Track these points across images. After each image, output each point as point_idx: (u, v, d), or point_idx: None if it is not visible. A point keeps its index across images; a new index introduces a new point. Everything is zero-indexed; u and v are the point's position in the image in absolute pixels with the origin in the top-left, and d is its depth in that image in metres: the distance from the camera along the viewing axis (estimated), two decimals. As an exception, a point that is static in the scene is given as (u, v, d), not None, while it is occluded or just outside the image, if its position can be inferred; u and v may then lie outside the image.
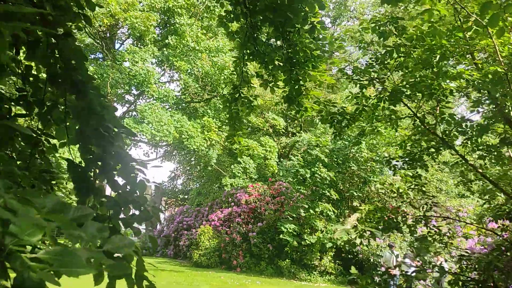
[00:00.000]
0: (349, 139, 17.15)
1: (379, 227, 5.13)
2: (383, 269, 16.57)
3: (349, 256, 17.60)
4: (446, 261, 16.53)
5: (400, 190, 5.71)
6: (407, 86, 5.03)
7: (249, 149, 16.64)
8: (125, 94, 17.14)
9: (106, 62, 15.64)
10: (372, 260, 16.44)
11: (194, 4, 16.71)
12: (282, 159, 17.90)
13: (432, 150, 5.54)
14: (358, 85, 5.69)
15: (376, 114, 5.89)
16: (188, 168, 37.63)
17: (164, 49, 17.24)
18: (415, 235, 5.63)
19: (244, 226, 20.41)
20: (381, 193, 18.94)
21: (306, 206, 17.42)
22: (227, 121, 5.31)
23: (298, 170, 16.72)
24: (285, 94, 4.46)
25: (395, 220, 5.07)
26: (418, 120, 5.64)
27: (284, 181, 17.90)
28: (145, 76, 14.97)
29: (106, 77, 14.86)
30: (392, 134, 17.34)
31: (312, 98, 4.51)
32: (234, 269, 19.37)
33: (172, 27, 16.52)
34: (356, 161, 17.53)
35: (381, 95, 5.46)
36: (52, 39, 2.04)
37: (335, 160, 17.44)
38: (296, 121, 26.72)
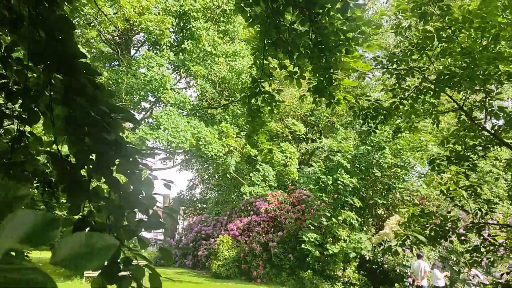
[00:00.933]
0: (372, 144, 16.62)
1: (425, 235, 4.61)
2: (410, 280, 15.92)
3: (374, 266, 16.97)
4: (488, 274, 15.79)
5: (450, 190, 4.96)
6: (456, 71, 4.49)
7: (272, 152, 16.25)
8: (141, 100, 16.99)
9: (121, 67, 15.57)
10: (398, 270, 15.78)
11: (210, 7, 16.53)
12: (302, 166, 17.46)
13: (479, 148, 5.02)
14: (394, 76, 5.22)
15: (415, 108, 5.40)
16: (207, 176, 37.53)
17: (180, 54, 17.10)
18: (465, 245, 5.09)
19: (264, 235, 19.99)
20: (406, 200, 18.29)
21: (328, 215, 16.91)
22: (246, 121, 4.90)
23: (320, 176, 16.25)
24: (313, 84, 4.03)
25: (444, 227, 4.44)
26: (464, 114, 5.12)
27: (304, 188, 17.44)
28: (161, 82, 14.81)
29: (121, 82, 14.75)
30: (416, 139, 16.77)
31: (345, 88, 4.06)
32: (254, 280, 18.92)
33: (188, 32, 16.37)
34: (379, 167, 16.96)
35: (421, 86, 4.99)
36: (35, 12, 1.72)
37: (358, 166, 16.91)
38: (315, 127, 26.28)
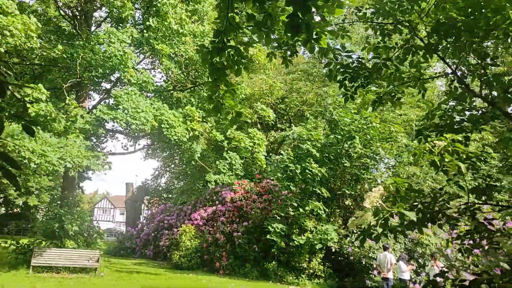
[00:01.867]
0: (342, 133, 16.34)
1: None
2: (375, 272, 15.81)
3: (340, 258, 16.80)
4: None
5: (445, 162, 4.12)
6: (456, 18, 3.93)
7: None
8: (101, 79, 16.00)
9: (79, 42, 14.55)
10: (364, 262, 15.64)
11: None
12: (271, 154, 17.02)
13: (477, 117, 4.56)
14: (379, 32, 4.67)
15: (401, 72, 4.88)
16: (173, 166, 36.69)
17: (145, 31, 16.21)
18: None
19: (228, 225, 19.50)
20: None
21: (295, 205, 16.57)
22: (206, 84, 4.20)
23: (288, 165, 15.85)
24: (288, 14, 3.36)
25: (435, 206, 3.71)
26: (456, 80, 4.62)
27: (272, 177, 17.00)
28: (122, 59, 13.91)
29: (76, 57, 13.74)
30: (387, 130, 16.62)
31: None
32: (216, 272, 18.42)
33: (153, 9, 15.49)
34: (349, 157, 16.73)
35: (410, 45, 4.45)
36: None
37: (327, 155, 16.62)
38: (285, 116, 25.89)
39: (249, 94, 18.62)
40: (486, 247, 3.92)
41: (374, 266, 15.25)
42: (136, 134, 18.34)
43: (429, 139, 4.34)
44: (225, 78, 3.90)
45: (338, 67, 4.74)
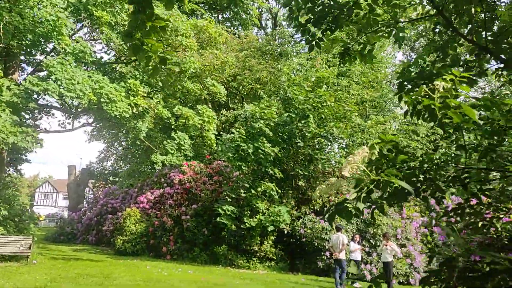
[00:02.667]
0: (296, 112, 15.83)
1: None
2: (328, 253, 15.63)
3: (292, 240, 16.48)
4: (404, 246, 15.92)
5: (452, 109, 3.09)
6: None
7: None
8: (33, 49, 14.41)
9: (4, 3, 12.86)
10: (316, 244, 15.39)
11: None
12: (222, 133, 16.25)
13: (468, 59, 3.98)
14: None
15: (375, 14, 4.19)
16: (120, 148, 35.11)
17: (82, -4, 14.74)
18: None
19: (176, 208, 18.65)
20: (327, 172, 17.94)
21: (247, 186, 16.00)
22: (128, 17, 3.31)
23: (240, 144, 15.17)
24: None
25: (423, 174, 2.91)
26: (443, 20, 3.95)
27: (223, 157, 16.27)
28: (55, 25, 12.48)
29: (0, 20, 12.14)
30: (340, 109, 16.30)
31: None
32: (163, 257, 17.61)
33: (93, -29, 14.06)
34: (302, 137, 16.28)
35: None
36: None
37: (280, 135, 16.09)
38: (238, 96, 25.11)
39: (199, 69, 17.66)
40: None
41: (327, 247, 15.04)
42: (73, 109, 16.89)
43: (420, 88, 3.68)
44: (151, 10, 3.07)
45: (301, 3, 3.97)
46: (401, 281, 14.85)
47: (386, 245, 12.91)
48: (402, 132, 18.58)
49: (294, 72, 18.86)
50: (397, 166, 2.78)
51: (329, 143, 16.39)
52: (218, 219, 15.84)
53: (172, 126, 17.39)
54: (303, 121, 15.56)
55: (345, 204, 2.64)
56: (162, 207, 19.46)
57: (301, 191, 17.54)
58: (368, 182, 2.51)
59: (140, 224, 19.00)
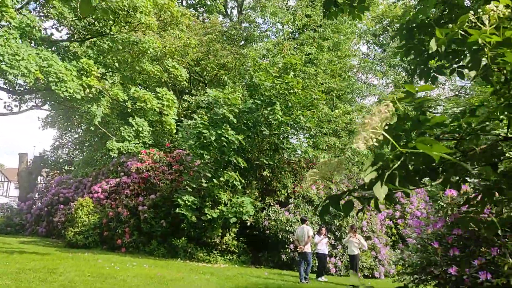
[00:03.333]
0: (262, 98, 15.19)
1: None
2: (292, 246, 15.18)
3: (255, 232, 15.92)
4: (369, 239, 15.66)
5: None
6: None
7: (143, 101, 13.77)
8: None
9: None
10: (280, 236, 14.88)
11: None
12: (183, 119, 15.39)
13: None
14: None
15: None
16: (76, 136, 33.53)
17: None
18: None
19: (133, 199, 17.67)
20: (292, 163, 17.46)
21: (209, 175, 15.26)
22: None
23: (202, 131, 14.38)
24: None
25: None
26: None
27: (184, 145, 15.44)
28: (-3, -5, 11.23)
29: None
30: (308, 97, 15.81)
31: None
32: (118, 250, 16.67)
33: None
34: (268, 125, 15.69)
35: None
36: None
37: (245, 122, 15.41)
38: (201, 82, 24.18)
39: (159, 51, 16.66)
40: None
41: (291, 240, 14.57)
42: (19, 89, 15.52)
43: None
44: None
45: None
46: (366, 274, 14.60)
47: (353, 238, 12.57)
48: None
49: (261, 57, 18.22)
50: (427, 133, 2.06)
51: (295, 132, 15.87)
52: (177, 210, 15.04)
53: (129, 110, 16.33)
54: (269, 108, 14.95)
55: (349, 194, 1.96)
56: (118, 197, 18.43)
57: (265, 181, 16.98)
58: (393, 156, 1.78)
59: (94, 215, 17.91)
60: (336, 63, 18.98)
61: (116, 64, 14.98)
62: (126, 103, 15.62)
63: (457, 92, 36.02)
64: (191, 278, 11.50)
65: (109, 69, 15.24)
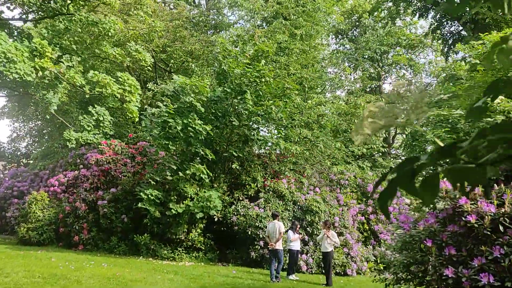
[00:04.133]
0: (231, 86, 14.38)
1: None
2: (261, 243, 14.51)
3: (223, 228, 15.16)
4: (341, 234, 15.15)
5: None
6: None
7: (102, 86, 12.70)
8: None
9: None
10: (249, 232, 14.17)
11: None
12: (146, 107, 14.37)
13: None
14: None
15: None
16: (33, 125, 31.72)
17: None
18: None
19: (92, 192, 16.52)
20: (262, 155, 16.79)
21: (174, 168, 14.35)
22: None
23: (167, 120, 13.44)
24: None
25: None
26: None
27: (148, 135, 14.43)
28: None
29: None
30: (280, 86, 15.13)
31: None
32: (75, 247, 15.58)
33: None
34: (238, 115, 14.91)
35: None
36: None
37: (213, 112, 14.56)
38: (167, 72, 23.07)
39: (122, 35, 15.53)
40: None
41: (261, 236, 13.89)
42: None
43: None
44: None
45: None
46: (338, 271, 14.11)
47: (327, 234, 11.99)
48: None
49: (230, 44, 17.37)
50: None
51: (266, 123, 15.14)
52: (139, 204, 14.08)
53: (87, 96, 15.18)
54: (239, 97, 14.15)
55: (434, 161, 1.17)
56: (76, 191, 17.24)
57: (234, 175, 16.22)
58: None
59: (49, 210, 16.69)
60: (309, 53, 18.36)
61: (74, 47, 13.79)
62: (84, 88, 14.44)
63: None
64: (154, 278, 10.62)
65: (66, 52, 14.02)
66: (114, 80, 14.15)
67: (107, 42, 14.75)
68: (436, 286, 5.32)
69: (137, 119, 15.36)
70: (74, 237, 15.69)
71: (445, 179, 1.27)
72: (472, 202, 4.97)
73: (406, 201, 14.90)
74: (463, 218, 4.88)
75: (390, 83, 37.85)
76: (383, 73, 34.14)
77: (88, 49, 14.87)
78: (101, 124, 17.74)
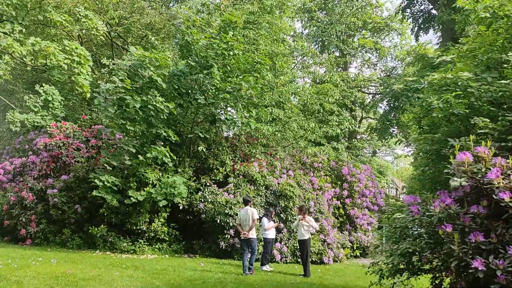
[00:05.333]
0: (196, 59, 13.11)
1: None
2: (232, 232, 13.48)
3: (189, 217, 14.03)
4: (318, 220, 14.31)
5: None
6: None
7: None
8: None
9: None
10: (218, 221, 13.10)
11: None
12: (100, 82, 12.90)
13: None
14: None
15: None
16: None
17: None
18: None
19: (41, 180, 14.94)
20: (231, 137, 15.70)
21: (134, 151, 13.04)
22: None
23: (124, 97, 12.07)
24: None
25: None
26: None
27: (103, 115, 12.99)
28: None
29: None
30: (250, 60, 13.97)
31: None
32: (22, 241, 14.08)
33: None
34: (204, 92, 13.70)
35: None
36: None
37: (176, 88, 13.25)
38: (123, 48, 21.38)
39: (69, 1, 13.86)
40: None
41: (231, 224, 12.85)
42: None
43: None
44: None
45: None
46: (314, 259, 13.29)
47: (303, 220, 11.07)
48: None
49: (195, 13, 16.00)
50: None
51: (235, 101, 13.98)
52: (94, 192, 12.70)
53: (28, 68, 13.51)
54: (205, 72, 12.90)
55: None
56: (23, 180, 15.59)
57: (201, 158, 15.04)
58: None
59: (-9, 201, 14.99)
60: (279, 25, 17.21)
61: (13, 12, 12.06)
62: (25, 59, 12.78)
63: (388, 73, 36.27)
64: (110, 275, 9.39)
65: (3, 19, 12.27)
66: (61, 49, 12.54)
67: (51, 8, 13.07)
68: (455, 280, 4.41)
69: (88, 95, 13.82)
70: (21, 230, 14.12)
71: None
72: (503, 177, 4.06)
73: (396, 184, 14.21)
74: (494, 196, 3.96)
75: (356, 67, 37.49)
76: (349, 56, 33.56)
77: (29, 16, 13.15)
78: (50, 105, 16.08)
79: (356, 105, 33.76)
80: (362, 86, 32.15)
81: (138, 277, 9.39)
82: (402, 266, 5.63)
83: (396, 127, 35.01)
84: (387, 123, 28.19)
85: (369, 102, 35.33)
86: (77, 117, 19.14)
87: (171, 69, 13.01)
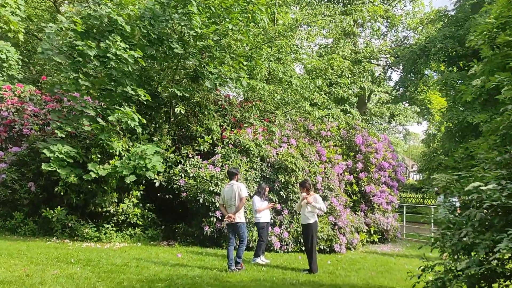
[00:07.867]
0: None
1: None
2: (218, 214, 11.05)
3: (167, 196, 11.56)
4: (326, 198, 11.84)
5: None
6: None
7: None
8: None
9: None
10: (202, 200, 10.62)
11: None
12: (44, 25, 10.37)
13: None
14: None
15: None
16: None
17: None
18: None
19: (-9, 153, 12.53)
20: (217, 96, 13.15)
21: (93, 114, 10.52)
22: None
23: (76, 43, 9.47)
24: None
25: None
26: None
27: (47, 63, 10.42)
28: None
29: None
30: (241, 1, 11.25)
31: None
32: (-37, 228, 11.66)
33: None
34: (182, 39, 11.06)
35: None
36: None
37: (145, 32, 10.60)
38: None
39: None
40: None
41: (217, 205, 10.37)
42: None
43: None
44: None
45: None
46: (322, 247, 10.82)
47: (307, 199, 8.53)
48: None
49: None
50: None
51: (223, 52, 11.32)
52: (43, 166, 10.23)
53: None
54: (180, 11, 10.22)
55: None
56: (-29, 154, 13.19)
57: (182, 125, 12.50)
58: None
59: None
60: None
61: None
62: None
63: (399, 43, 33.71)
64: (43, 275, 6.99)
65: None
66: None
67: None
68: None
69: (21, 37, 11.23)
70: (-37, 214, 11.77)
71: None
72: None
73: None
74: None
75: (364, 38, 34.64)
76: (358, 25, 30.57)
77: None
78: (4, 64, 13.59)
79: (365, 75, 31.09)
80: (371, 57, 29.34)
81: (79, 277, 6.97)
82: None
83: (407, 101, 32.53)
84: (405, 89, 25.59)
85: (379, 75, 32.70)
86: (36, 78, 16.65)
87: (137, 7, 10.36)
